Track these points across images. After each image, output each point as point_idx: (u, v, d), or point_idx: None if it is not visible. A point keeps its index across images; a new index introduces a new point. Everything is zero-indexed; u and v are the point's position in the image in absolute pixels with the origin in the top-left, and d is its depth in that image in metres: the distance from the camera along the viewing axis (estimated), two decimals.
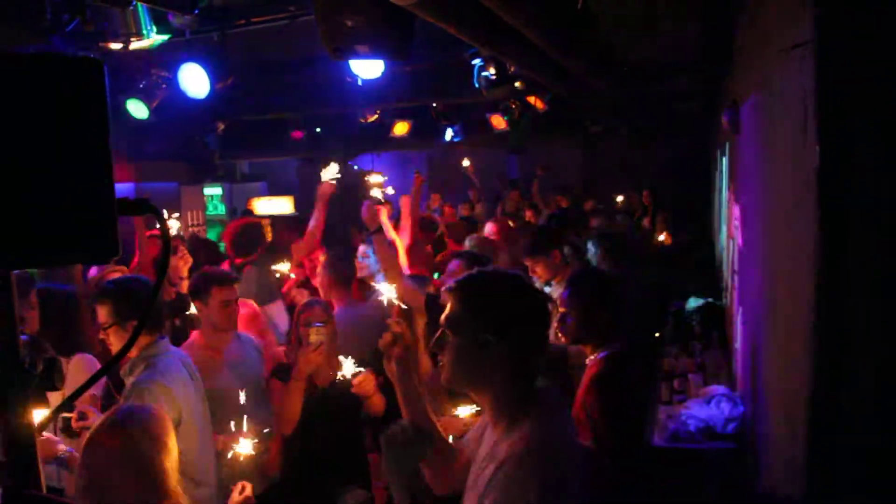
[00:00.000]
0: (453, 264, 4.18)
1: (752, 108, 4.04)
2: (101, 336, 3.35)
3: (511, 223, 7.54)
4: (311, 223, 5.36)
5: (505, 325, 2.05)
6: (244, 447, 3.07)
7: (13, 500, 1.44)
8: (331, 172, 5.13)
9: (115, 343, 3.26)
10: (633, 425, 3.27)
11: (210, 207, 12.79)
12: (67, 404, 1.53)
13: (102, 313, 3.26)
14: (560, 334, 3.45)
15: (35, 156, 1.25)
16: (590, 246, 5.53)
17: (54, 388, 1.45)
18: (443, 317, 2.14)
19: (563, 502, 1.93)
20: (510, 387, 2.08)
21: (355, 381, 3.56)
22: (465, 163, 10.94)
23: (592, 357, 3.28)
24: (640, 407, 3.76)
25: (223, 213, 12.83)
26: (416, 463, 2.29)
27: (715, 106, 8.48)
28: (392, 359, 2.34)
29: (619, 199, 11.14)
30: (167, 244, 1.58)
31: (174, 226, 6.23)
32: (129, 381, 3.19)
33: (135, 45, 4.45)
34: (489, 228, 6.32)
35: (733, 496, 4.05)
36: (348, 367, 3.53)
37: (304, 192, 12.32)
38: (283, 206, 12.17)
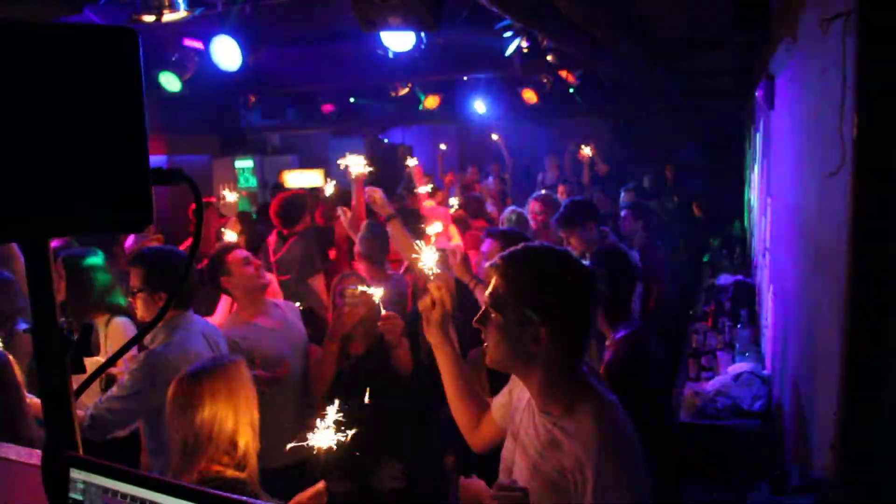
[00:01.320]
0: (487, 244, 4.12)
1: (788, 81, 3.97)
2: (130, 300, 3.41)
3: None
4: (353, 202, 5.39)
5: (549, 303, 1.97)
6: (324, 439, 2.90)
7: (53, 460, 1.48)
8: (356, 163, 5.11)
9: (140, 308, 3.34)
10: (654, 406, 3.24)
11: (241, 180, 12.88)
12: (105, 368, 1.56)
13: (134, 277, 3.33)
14: None
15: (71, 126, 1.27)
16: (623, 216, 5.51)
17: (90, 354, 1.48)
18: (486, 293, 2.07)
19: (647, 484, 1.95)
20: (558, 368, 2.01)
21: (382, 316, 3.45)
22: (495, 136, 10.86)
23: (611, 336, 3.28)
24: (665, 385, 3.74)
25: (254, 185, 12.93)
26: None
27: (748, 81, 8.35)
28: (431, 323, 2.36)
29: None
30: (200, 215, 1.59)
31: (231, 197, 6.26)
32: (151, 347, 3.25)
33: (167, 17, 4.48)
34: (532, 206, 6.28)
35: (760, 472, 4.05)
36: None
37: (336, 165, 12.34)
38: (313, 179, 12.21)
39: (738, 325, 5.54)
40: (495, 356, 2.06)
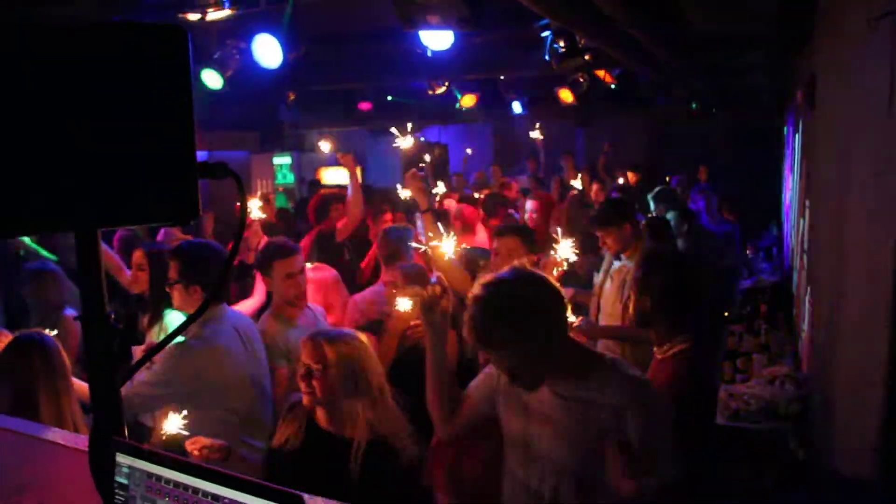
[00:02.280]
0: (508, 241, 4.11)
1: (831, 80, 3.92)
2: (168, 289, 3.48)
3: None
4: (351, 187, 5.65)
5: (548, 327, 2.21)
6: None
7: (101, 444, 1.52)
8: (406, 142, 5.24)
9: (176, 299, 3.40)
10: (707, 430, 3.02)
11: (279, 176, 13.00)
12: (150, 356, 1.60)
13: (172, 269, 3.40)
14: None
15: (122, 121, 1.31)
16: (670, 218, 5.44)
17: (136, 342, 1.51)
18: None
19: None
20: (567, 357, 2.29)
21: (411, 325, 3.60)
22: (535, 134, 10.78)
23: (663, 349, 2.97)
24: (712, 398, 3.50)
25: (292, 182, 13.03)
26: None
27: (786, 80, 8.23)
28: (436, 309, 2.45)
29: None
30: (244, 210, 1.61)
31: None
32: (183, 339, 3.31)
33: (211, 15, 4.55)
34: (530, 205, 6.29)
35: (795, 477, 4.00)
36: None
37: (372, 163, 12.42)
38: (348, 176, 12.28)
39: (774, 328, 5.48)
40: (517, 376, 2.26)
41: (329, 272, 4.67)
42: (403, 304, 3.41)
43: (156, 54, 1.34)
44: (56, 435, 2.44)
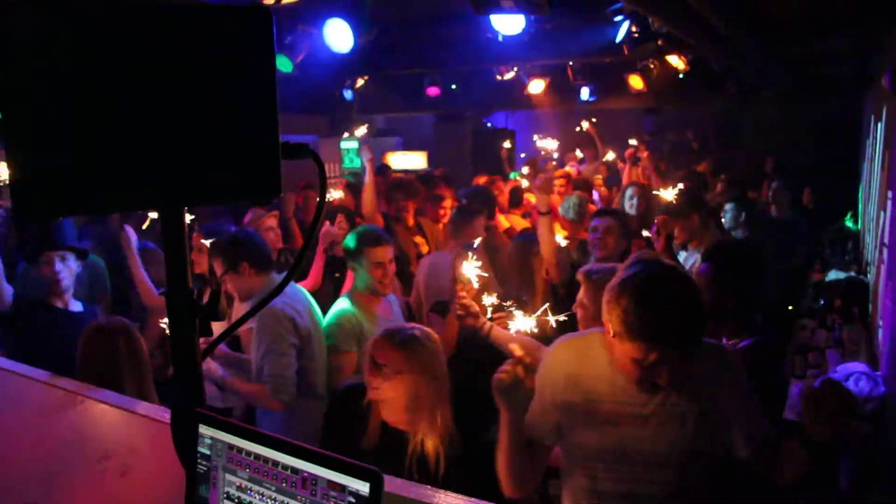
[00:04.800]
0: (607, 221, 4.29)
1: None
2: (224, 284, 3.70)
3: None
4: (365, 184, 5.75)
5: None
6: None
7: (182, 415, 1.58)
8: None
9: (232, 286, 3.64)
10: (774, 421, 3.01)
11: (346, 161, 13.14)
12: (230, 334, 1.64)
13: (217, 266, 3.69)
14: None
15: (208, 101, 1.34)
16: (728, 208, 5.36)
17: (217, 318, 1.57)
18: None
19: None
20: None
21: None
22: (585, 124, 10.70)
23: (733, 341, 2.99)
24: (781, 392, 3.49)
25: (358, 166, 13.17)
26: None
27: (868, 68, 7.94)
28: (520, 391, 2.24)
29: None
30: (324, 188, 1.64)
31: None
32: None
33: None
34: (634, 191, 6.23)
35: (870, 477, 3.90)
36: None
37: (439, 148, 12.46)
38: (417, 161, 12.36)
39: (849, 323, 5.33)
40: None
41: None
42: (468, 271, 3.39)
43: (242, 35, 1.37)
44: (140, 407, 2.55)
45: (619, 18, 5.93)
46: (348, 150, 13.19)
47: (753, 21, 5.68)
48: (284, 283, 1.73)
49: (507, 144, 10.94)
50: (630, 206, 6.05)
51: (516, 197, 7.48)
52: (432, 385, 2.64)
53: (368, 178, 5.69)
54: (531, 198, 7.01)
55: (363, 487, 1.28)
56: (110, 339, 3.13)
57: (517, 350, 2.20)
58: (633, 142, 9.09)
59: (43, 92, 1.23)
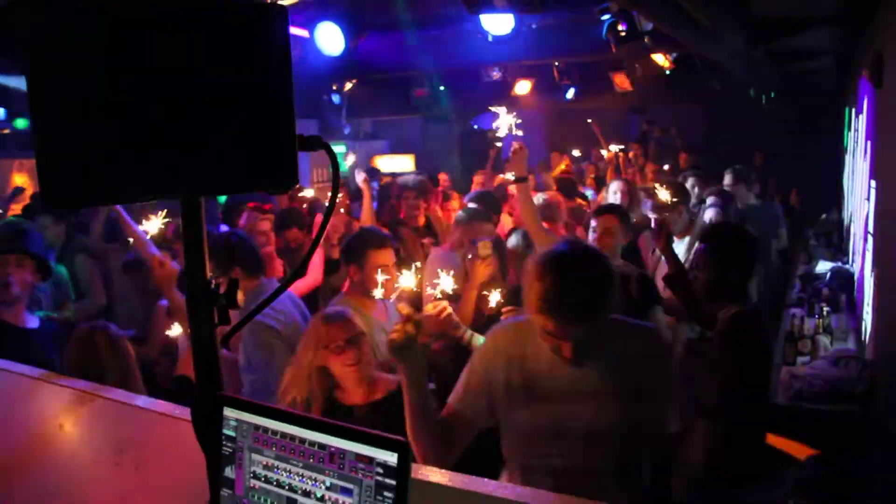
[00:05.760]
0: (605, 219, 4.31)
1: None
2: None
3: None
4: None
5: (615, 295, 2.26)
6: None
7: (207, 400, 1.63)
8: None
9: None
10: (759, 385, 3.22)
11: None
12: (246, 322, 1.69)
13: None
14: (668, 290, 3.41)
15: (226, 94, 1.38)
16: (710, 201, 5.47)
17: (236, 307, 1.61)
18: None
19: None
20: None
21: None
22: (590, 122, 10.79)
23: (724, 310, 3.18)
24: (767, 366, 3.65)
25: (346, 170, 13.20)
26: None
27: (848, 62, 8.07)
28: (414, 349, 2.27)
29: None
30: (336, 182, 1.68)
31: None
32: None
33: (280, 1, 4.67)
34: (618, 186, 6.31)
35: (860, 457, 3.99)
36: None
37: (427, 150, 12.52)
38: (404, 164, 12.41)
39: (837, 311, 5.44)
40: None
41: None
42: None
43: (259, 28, 1.42)
44: (149, 403, 2.61)
45: (606, 17, 6.02)
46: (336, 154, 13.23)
47: (739, 16, 5.78)
48: (290, 282, 1.79)
49: (498, 144, 11.03)
50: (615, 200, 6.15)
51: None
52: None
53: (366, 201, 5.77)
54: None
55: (391, 458, 1.33)
56: (89, 338, 3.16)
57: (404, 309, 2.24)
58: (614, 148, 9.24)
59: (68, 87, 1.27)
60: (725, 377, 3.04)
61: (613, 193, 6.20)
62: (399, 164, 12.40)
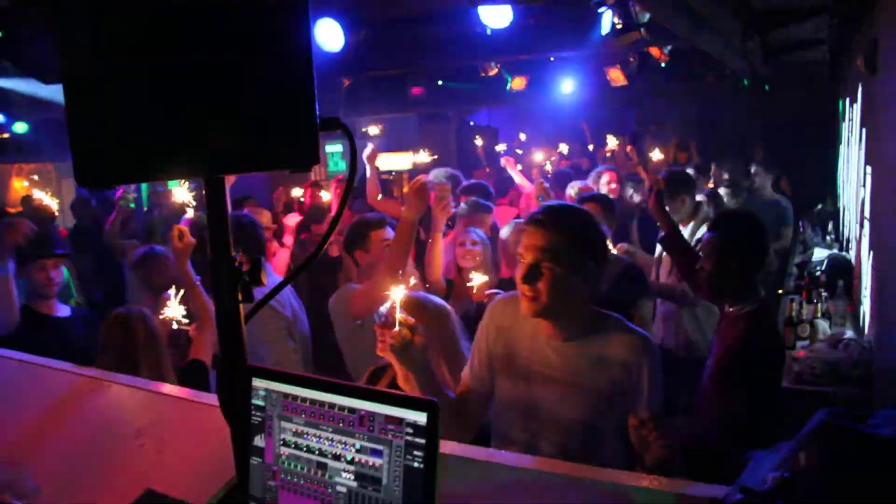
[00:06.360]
0: (588, 207, 4.30)
1: (894, 45, 3.96)
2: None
3: None
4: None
5: (600, 251, 2.35)
6: None
7: (234, 371, 1.68)
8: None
9: None
10: (774, 389, 3.06)
11: (331, 164, 13.23)
12: (269, 299, 1.74)
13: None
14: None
15: (251, 74, 1.42)
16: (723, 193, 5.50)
17: (260, 283, 1.66)
18: (535, 250, 2.27)
19: None
20: (588, 302, 2.36)
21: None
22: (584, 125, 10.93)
23: (736, 307, 3.05)
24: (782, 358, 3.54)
25: (344, 170, 13.24)
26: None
27: (843, 53, 8.15)
28: (412, 349, 2.34)
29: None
30: (353, 164, 1.72)
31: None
32: None
33: None
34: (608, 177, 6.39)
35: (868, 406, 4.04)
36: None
37: (424, 148, 12.53)
38: (402, 161, 12.44)
39: (835, 297, 5.52)
40: (548, 305, 2.27)
41: None
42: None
43: (280, 10, 1.45)
44: (165, 388, 2.66)
45: (602, 10, 6.07)
46: (333, 153, 13.27)
47: (735, 5, 5.84)
48: (309, 262, 1.83)
49: (478, 142, 11.20)
50: (606, 191, 6.23)
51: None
52: None
53: (370, 173, 5.84)
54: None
55: (420, 418, 1.39)
56: (129, 326, 3.23)
57: (396, 314, 2.31)
58: (612, 142, 9.35)
59: (100, 71, 1.32)
60: (746, 380, 2.88)
61: (604, 185, 6.28)
62: (398, 161, 12.43)
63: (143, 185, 8.44)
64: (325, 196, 7.25)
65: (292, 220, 6.02)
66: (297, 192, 7.85)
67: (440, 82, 10.59)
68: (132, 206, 6.26)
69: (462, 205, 5.09)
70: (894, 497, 1.19)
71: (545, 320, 2.35)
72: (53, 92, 6.46)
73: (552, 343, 2.36)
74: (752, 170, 7.71)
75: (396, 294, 2.31)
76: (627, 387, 2.28)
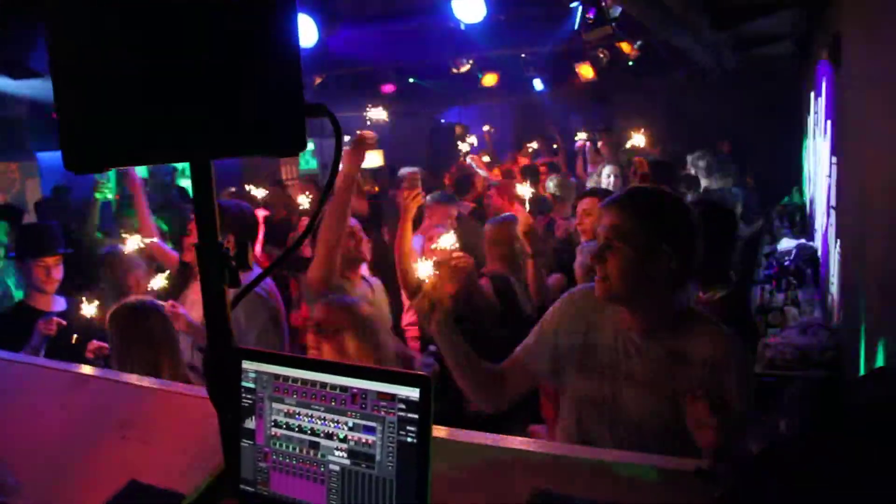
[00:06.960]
0: (586, 202, 4.37)
1: (858, 37, 4.04)
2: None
3: None
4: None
5: (678, 236, 2.18)
6: None
7: (221, 354, 1.68)
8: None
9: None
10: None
11: (302, 163, 13.15)
12: (256, 284, 1.75)
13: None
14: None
15: (236, 58, 1.42)
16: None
17: (247, 268, 1.66)
18: (607, 229, 2.21)
19: None
20: (672, 294, 2.22)
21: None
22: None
23: (708, 293, 3.11)
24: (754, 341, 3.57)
25: (315, 167, 13.20)
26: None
27: (808, 46, 8.30)
28: (434, 321, 2.39)
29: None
30: (338, 157, 1.75)
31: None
32: None
33: None
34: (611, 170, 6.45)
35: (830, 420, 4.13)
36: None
37: (396, 146, 12.53)
38: (373, 159, 12.42)
39: (803, 285, 5.64)
40: (618, 288, 2.19)
41: None
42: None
43: (267, 3, 1.44)
44: (148, 381, 2.66)
45: (574, 4, 6.13)
46: (303, 152, 13.19)
47: (704, 1, 5.93)
48: (295, 246, 1.85)
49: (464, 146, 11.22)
50: (608, 184, 6.29)
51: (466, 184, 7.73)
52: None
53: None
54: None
55: (413, 393, 1.41)
56: (147, 319, 3.23)
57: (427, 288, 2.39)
58: (581, 136, 9.41)
59: (88, 55, 1.34)
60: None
61: (607, 177, 6.33)
62: (369, 159, 12.37)
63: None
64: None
65: (262, 213, 5.98)
66: (259, 194, 7.38)
67: (411, 80, 10.59)
68: (109, 197, 6.17)
69: (427, 198, 5.12)
70: (876, 457, 1.21)
71: (623, 310, 2.26)
72: (21, 87, 6.37)
73: (630, 336, 2.25)
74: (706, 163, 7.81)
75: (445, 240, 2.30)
76: (715, 388, 2.07)
